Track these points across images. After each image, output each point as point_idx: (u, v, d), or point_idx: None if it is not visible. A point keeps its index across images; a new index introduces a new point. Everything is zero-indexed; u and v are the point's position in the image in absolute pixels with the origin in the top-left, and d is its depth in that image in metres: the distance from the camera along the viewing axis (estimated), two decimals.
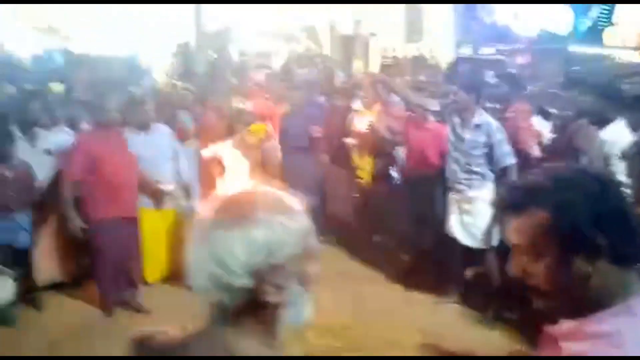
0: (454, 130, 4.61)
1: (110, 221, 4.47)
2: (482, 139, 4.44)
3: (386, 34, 12.79)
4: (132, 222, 4.70)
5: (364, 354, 4.17)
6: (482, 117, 4.50)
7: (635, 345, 1.06)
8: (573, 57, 10.91)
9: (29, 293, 4.69)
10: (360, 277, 5.44)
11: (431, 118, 5.12)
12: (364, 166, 5.68)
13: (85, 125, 5.36)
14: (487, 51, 14.85)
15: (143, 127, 4.85)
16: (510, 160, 4.43)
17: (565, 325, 1.21)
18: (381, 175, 5.58)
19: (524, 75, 8.01)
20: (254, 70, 9.15)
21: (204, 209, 1.09)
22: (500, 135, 4.43)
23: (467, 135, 4.51)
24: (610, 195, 1.17)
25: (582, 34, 13.09)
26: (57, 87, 7.23)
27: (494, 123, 4.49)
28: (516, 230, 1.22)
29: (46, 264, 4.85)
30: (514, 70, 7.88)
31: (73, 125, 5.21)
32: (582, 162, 4.16)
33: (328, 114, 6.12)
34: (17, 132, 4.69)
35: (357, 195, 5.76)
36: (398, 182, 5.50)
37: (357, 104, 6.17)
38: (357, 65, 11.21)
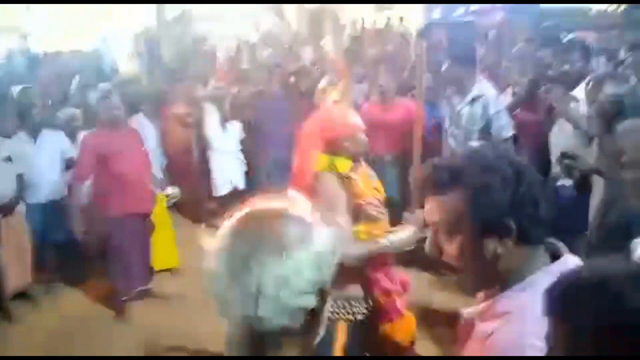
0: (451, 105, 4.29)
1: (125, 217, 4.45)
2: (478, 111, 4.10)
3: (355, 4, 12.60)
4: (147, 217, 4.72)
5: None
6: (480, 88, 4.15)
7: (536, 318, 1.03)
8: (546, 12, 10.75)
9: None
10: None
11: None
12: None
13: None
14: (458, 12, 14.69)
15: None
16: (508, 132, 4.10)
17: (480, 306, 1.30)
18: None
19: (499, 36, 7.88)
20: (219, 53, 9.00)
21: (224, 236, 1.02)
22: (498, 107, 4.12)
23: (465, 109, 4.17)
24: (524, 181, 1.21)
25: None
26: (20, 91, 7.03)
27: (492, 93, 4.17)
28: (435, 207, 1.27)
29: (14, 273, 4.73)
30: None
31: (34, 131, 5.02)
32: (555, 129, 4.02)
33: (293, 96, 6.01)
34: None
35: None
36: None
37: (323, 83, 6.06)
38: (327, 40, 11.05)
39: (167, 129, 6.13)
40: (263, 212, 1.04)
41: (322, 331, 1.07)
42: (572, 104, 3.80)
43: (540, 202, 1.23)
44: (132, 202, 4.47)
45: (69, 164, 5.10)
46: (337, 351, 2.68)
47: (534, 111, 4.44)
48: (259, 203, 1.07)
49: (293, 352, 1.03)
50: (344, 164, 2.67)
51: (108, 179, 4.43)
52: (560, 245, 1.30)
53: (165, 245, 5.11)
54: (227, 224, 1.04)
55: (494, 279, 1.25)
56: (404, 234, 2.62)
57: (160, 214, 5.04)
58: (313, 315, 1.01)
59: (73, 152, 5.12)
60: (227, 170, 5.97)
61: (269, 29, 11.48)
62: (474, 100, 4.13)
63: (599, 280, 0.87)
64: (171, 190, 5.15)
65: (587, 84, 3.79)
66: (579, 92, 3.91)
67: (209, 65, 7.97)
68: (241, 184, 5.99)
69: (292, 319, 0.97)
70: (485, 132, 4.12)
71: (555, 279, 0.94)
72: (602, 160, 3.27)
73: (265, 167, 5.76)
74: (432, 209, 1.28)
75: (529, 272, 1.23)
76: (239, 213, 1.05)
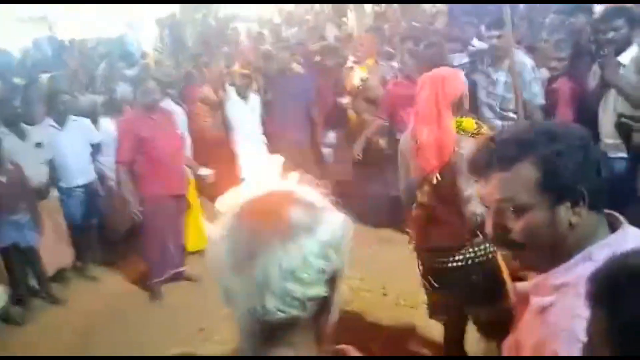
0: (487, 75, 4.30)
1: (161, 199, 4.52)
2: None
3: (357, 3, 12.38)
4: (181, 199, 4.77)
5: (374, 319, 4.05)
6: (516, 56, 4.08)
7: None
8: None
9: (38, 289, 4.80)
10: (369, 238, 5.34)
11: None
12: (361, 124, 5.51)
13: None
14: None
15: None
16: (541, 100, 4.15)
17: (534, 280, 1.26)
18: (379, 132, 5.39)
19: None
20: (243, 35, 8.94)
21: (227, 223, 0.93)
22: (533, 74, 4.16)
23: (502, 77, 4.21)
24: (589, 148, 1.21)
25: None
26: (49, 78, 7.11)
27: (529, 62, 4.19)
28: (502, 184, 1.21)
29: (53, 255, 4.87)
30: None
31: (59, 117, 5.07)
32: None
33: (319, 75, 5.93)
34: (4, 129, 4.67)
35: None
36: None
37: (350, 61, 5.99)
38: (351, 17, 10.89)
39: (194, 113, 6.12)
40: (268, 197, 0.96)
41: (334, 317, 0.99)
42: (621, 72, 3.66)
43: (601, 168, 1.23)
44: (168, 184, 4.53)
45: (95, 150, 5.21)
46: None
47: (577, 83, 4.29)
48: (264, 186, 0.99)
49: (303, 341, 0.96)
50: (470, 123, 2.63)
51: (144, 161, 4.49)
52: (619, 216, 1.25)
53: (196, 227, 5.14)
54: (229, 208, 0.96)
55: (564, 252, 1.21)
56: None
57: (190, 196, 5.07)
58: (324, 303, 0.94)
59: (99, 137, 5.22)
60: (252, 152, 5.92)
61: (292, 9, 11.34)
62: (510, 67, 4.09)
63: None
64: (205, 171, 5.15)
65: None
66: (625, 59, 3.76)
67: (233, 48, 7.92)
68: None
69: (301, 309, 0.91)
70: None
71: (603, 261, 0.90)
72: None
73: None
74: (496, 187, 1.22)
75: (590, 243, 1.19)
76: (242, 196, 0.97)
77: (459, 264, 2.75)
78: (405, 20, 8.22)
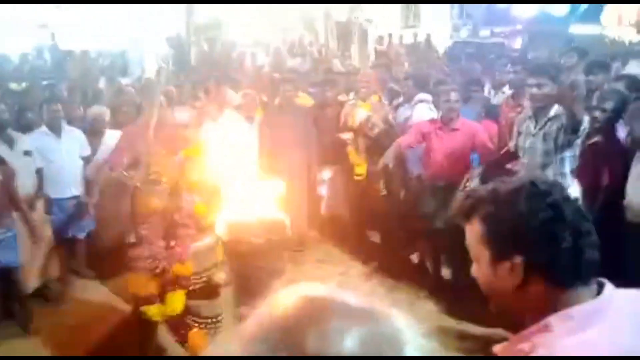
0: (527, 126, 4.10)
1: None
2: (554, 130, 3.92)
3: (383, 19, 12.54)
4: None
5: None
6: (556, 108, 3.94)
7: None
8: (572, 38, 10.63)
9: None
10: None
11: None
12: (361, 162, 5.43)
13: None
14: (483, 34, 14.66)
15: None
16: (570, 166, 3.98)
17: (503, 344, 1.30)
18: (379, 172, 5.32)
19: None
20: (247, 61, 8.94)
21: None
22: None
23: (545, 127, 3.98)
24: (537, 218, 1.21)
25: (580, 14, 12.85)
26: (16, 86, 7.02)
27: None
28: (467, 234, 1.33)
29: (36, 269, 4.64)
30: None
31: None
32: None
33: (319, 107, 5.84)
34: None
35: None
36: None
37: (352, 96, 5.93)
38: (354, 53, 10.99)
39: None
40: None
41: None
42: None
43: (561, 240, 1.18)
44: None
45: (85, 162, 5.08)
46: None
47: (610, 144, 4.00)
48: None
49: None
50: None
51: None
52: (605, 281, 1.23)
53: None
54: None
55: (516, 314, 1.27)
56: None
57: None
58: None
59: (89, 151, 5.10)
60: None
61: (298, 39, 11.42)
62: (550, 119, 3.96)
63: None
64: None
65: None
66: None
67: (239, 72, 7.87)
68: None
69: None
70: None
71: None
72: None
73: None
74: (467, 234, 1.35)
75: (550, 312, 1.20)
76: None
77: None
78: (408, 59, 8.28)
